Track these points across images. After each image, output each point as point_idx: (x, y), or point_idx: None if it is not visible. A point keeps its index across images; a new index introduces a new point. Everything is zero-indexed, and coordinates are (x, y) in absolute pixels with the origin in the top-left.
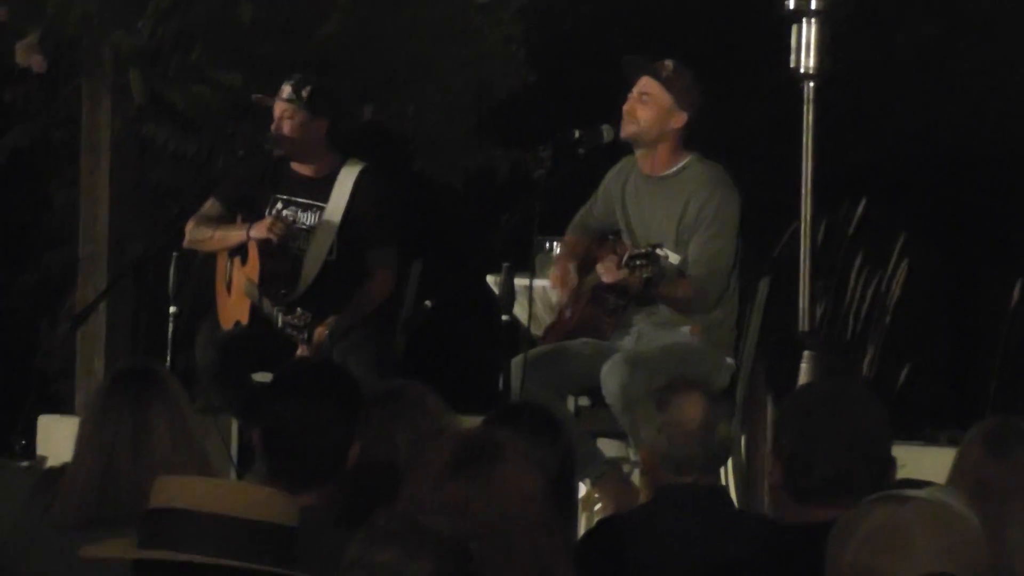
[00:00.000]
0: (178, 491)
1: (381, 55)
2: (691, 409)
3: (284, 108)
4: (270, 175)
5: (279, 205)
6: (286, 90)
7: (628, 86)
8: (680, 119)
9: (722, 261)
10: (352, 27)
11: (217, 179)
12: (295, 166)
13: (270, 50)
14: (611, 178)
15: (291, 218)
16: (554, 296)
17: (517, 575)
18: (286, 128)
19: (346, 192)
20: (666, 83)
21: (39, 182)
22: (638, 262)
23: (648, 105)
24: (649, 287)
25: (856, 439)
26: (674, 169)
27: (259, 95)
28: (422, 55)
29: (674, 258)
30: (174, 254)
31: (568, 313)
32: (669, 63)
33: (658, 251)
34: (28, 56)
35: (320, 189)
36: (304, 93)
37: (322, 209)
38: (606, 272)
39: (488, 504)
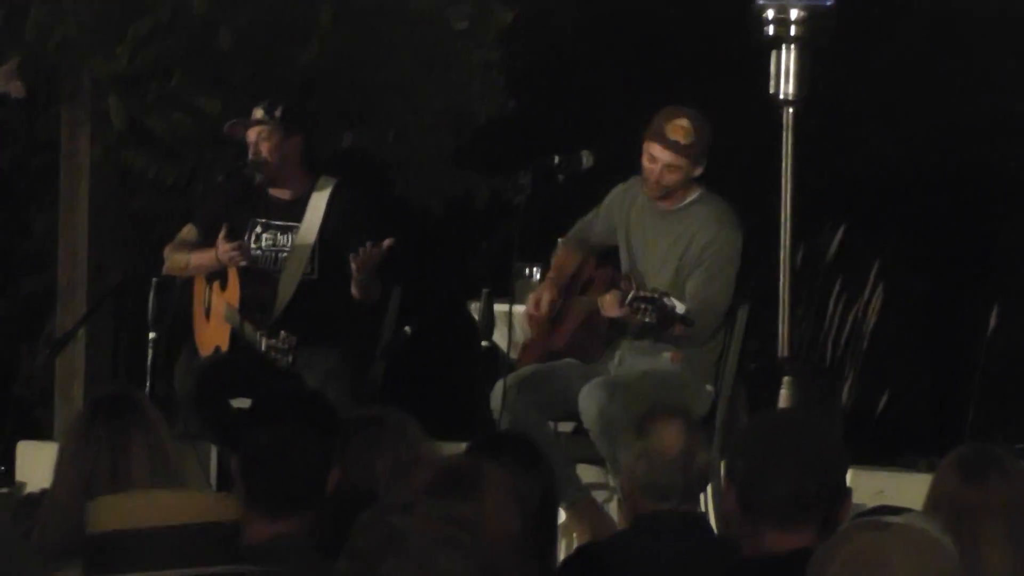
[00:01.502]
0: (112, 512)
1: (361, 81)
2: (671, 437)
3: (259, 131)
4: (247, 199)
5: (258, 229)
6: (258, 112)
7: (641, 135)
8: (700, 169)
9: (719, 302)
10: (332, 53)
11: (197, 205)
12: (272, 189)
13: (249, 76)
14: (616, 198)
15: (270, 241)
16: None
17: None
18: (264, 150)
19: (320, 209)
20: (688, 151)
21: (18, 208)
22: (642, 305)
23: (675, 172)
24: (647, 330)
25: (809, 462)
26: (682, 204)
27: (231, 122)
28: (402, 81)
29: (680, 307)
30: (153, 280)
31: (554, 328)
32: (686, 124)
33: (665, 300)
34: (7, 82)
35: (296, 210)
36: (277, 113)
37: (298, 230)
38: (608, 307)
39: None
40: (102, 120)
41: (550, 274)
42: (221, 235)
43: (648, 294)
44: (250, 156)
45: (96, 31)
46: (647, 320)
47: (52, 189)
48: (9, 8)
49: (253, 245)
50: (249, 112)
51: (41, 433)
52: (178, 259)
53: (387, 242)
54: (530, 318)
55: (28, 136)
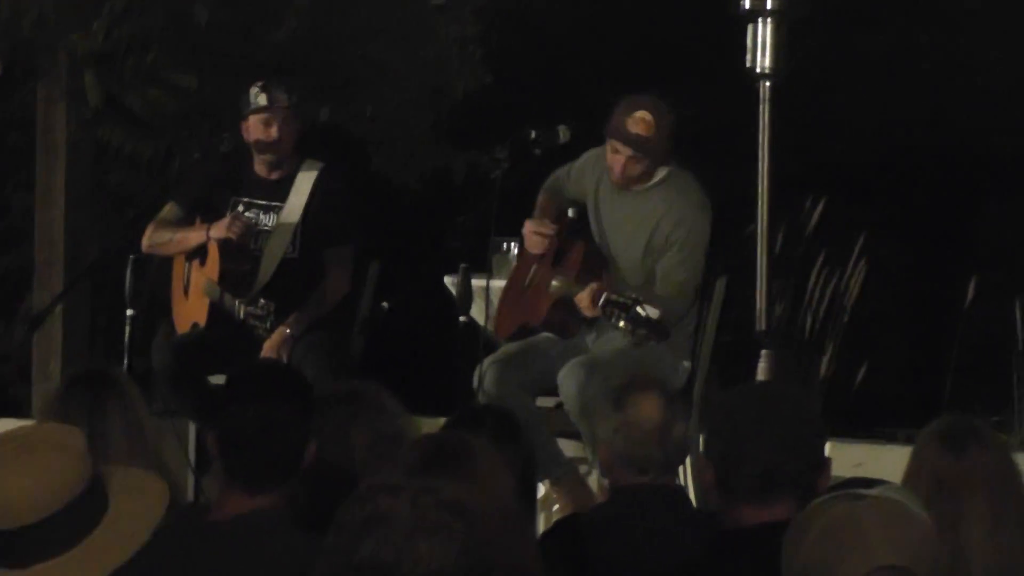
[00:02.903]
0: None
1: (338, 56)
2: (648, 409)
3: (284, 115)
4: (229, 177)
5: (240, 207)
6: (282, 98)
7: (604, 132)
8: (667, 155)
9: (689, 286)
10: (308, 28)
11: (174, 182)
12: (256, 168)
13: (226, 52)
14: (589, 163)
15: (252, 220)
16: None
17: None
18: (281, 133)
19: (305, 191)
20: (649, 143)
21: None
22: (615, 311)
23: (640, 163)
24: (620, 332)
25: (785, 437)
26: (649, 184)
27: (265, 115)
28: (379, 56)
29: (653, 314)
30: (131, 257)
31: (528, 301)
32: (646, 116)
33: (638, 309)
34: None
35: (279, 190)
36: (295, 98)
37: (281, 209)
38: (583, 305)
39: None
40: (78, 97)
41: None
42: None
43: (621, 299)
44: (257, 137)
45: (72, 7)
46: (620, 325)
47: (28, 166)
48: None
49: None
50: (231, 88)
51: (19, 410)
52: (160, 236)
53: (290, 321)
54: (536, 232)
55: (4, 113)
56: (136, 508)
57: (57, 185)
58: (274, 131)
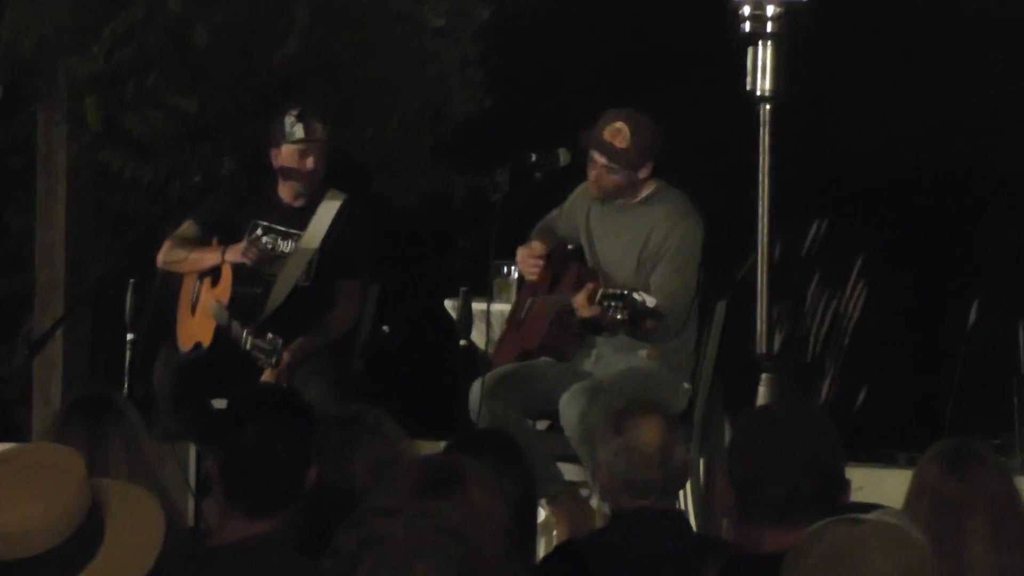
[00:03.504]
0: None
1: (338, 78)
2: (649, 433)
3: (320, 148)
4: (251, 198)
5: (259, 231)
6: (318, 129)
7: (586, 147)
8: (646, 169)
9: (684, 295)
10: (309, 50)
11: (173, 205)
12: (281, 192)
13: (226, 74)
14: (577, 198)
15: (270, 245)
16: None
17: None
18: (316, 165)
19: (326, 222)
20: (621, 156)
21: None
22: (614, 303)
23: (616, 173)
24: (621, 326)
25: (807, 460)
26: (638, 199)
27: (302, 147)
28: (379, 78)
29: (650, 301)
30: (131, 280)
31: (525, 327)
32: (622, 127)
33: (635, 295)
34: None
35: (301, 218)
36: (330, 129)
37: (300, 237)
38: (581, 307)
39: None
40: (78, 120)
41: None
42: (216, 244)
43: (616, 291)
44: (289, 166)
45: (72, 30)
46: (619, 317)
47: (29, 189)
48: None
49: None
50: (231, 111)
51: (19, 434)
52: (176, 254)
53: (294, 347)
54: (527, 260)
55: (4, 136)
56: (134, 531)
57: (58, 208)
58: (309, 162)
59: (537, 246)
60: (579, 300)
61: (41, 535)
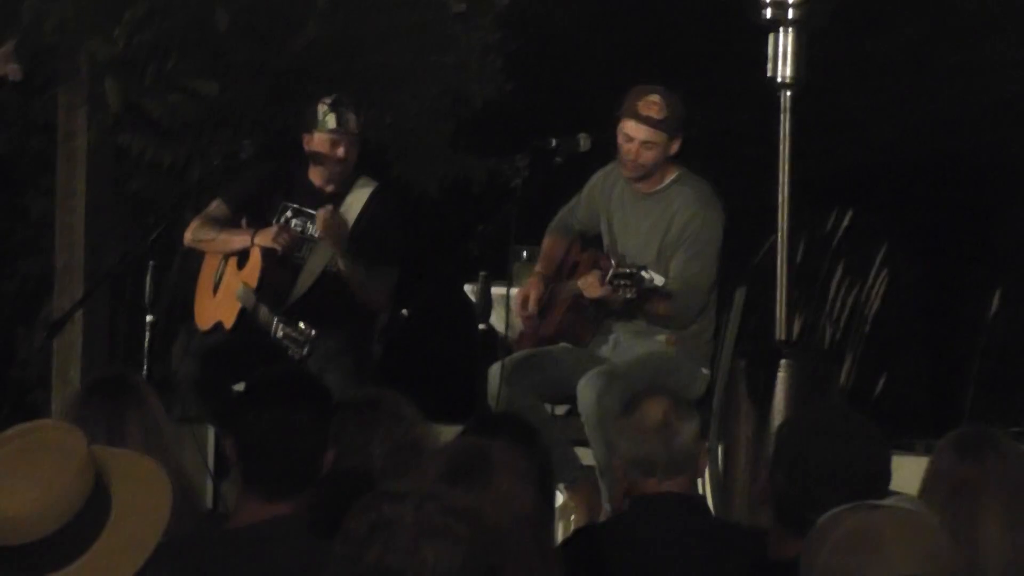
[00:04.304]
0: None
1: (358, 63)
2: (652, 410)
3: (352, 139)
4: (282, 180)
5: (288, 213)
6: (351, 120)
7: (615, 119)
8: (676, 144)
9: (703, 281)
10: (329, 35)
11: (193, 189)
12: (312, 176)
13: (246, 58)
14: (597, 183)
15: (299, 227)
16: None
17: None
18: (348, 155)
19: (356, 208)
20: (662, 125)
21: (15, 191)
22: (622, 282)
23: (652, 149)
24: (630, 306)
25: (852, 483)
26: (661, 186)
27: (333, 137)
28: (399, 63)
29: (658, 280)
30: (150, 263)
31: (538, 323)
32: (657, 99)
33: (643, 273)
34: (4, 65)
35: (331, 202)
36: (363, 119)
37: None
38: (589, 288)
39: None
40: (99, 102)
41: (537, 267)
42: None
43: (626, 269)
44: (322, 152)
45: (93, 13)
46: (629, 296)
47: (49, 172)
48: None
49: None
50: (252, 94)
51: (38, 416)
52: (204, 233)
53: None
54: (522, 319)
55: (25, 119)
56: (140, 510)
57: (77, 191)
58: (341, 152)
59: (530, 305)
60: (588, 281)
61: (42, 520)
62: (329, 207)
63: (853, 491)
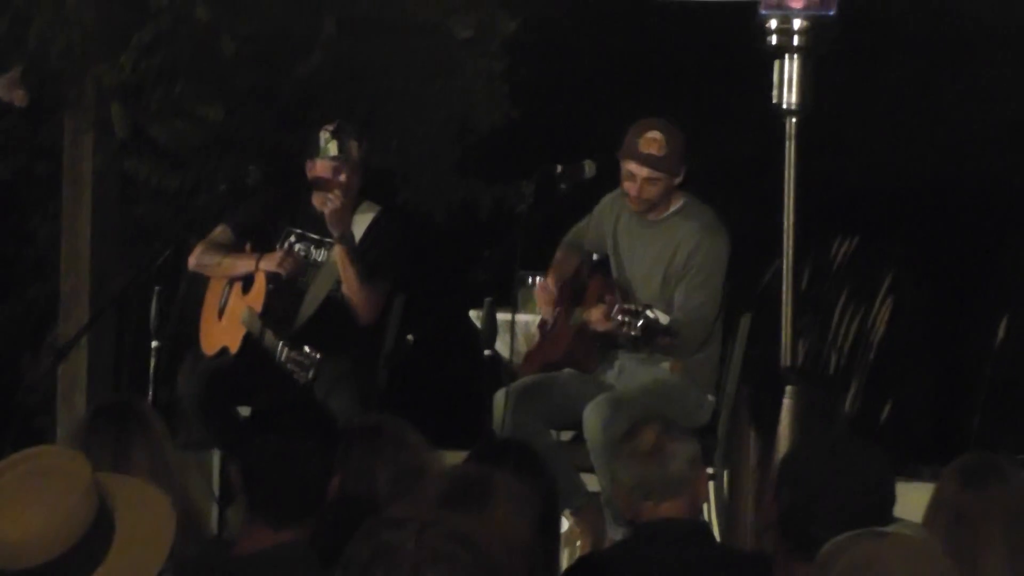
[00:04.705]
0: None
1: (364, 89)
2: (645, 435)
3: (353, 166)
4: (286, 206)
5: (292, 239)
6: (353, 148)
7: (617, 158)
8: (681, 176)
9: (707, 310)
10: (335, 61)
11: (199, 214)
12: (315, 202)
13: (252, 84)
14: (605, 208)
15: (303, 253)
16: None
17: None
18: (349, 182)
19: (359, 233)
20: (663, 163)
21: (21, 215)
22: (627, 319)
23: (655, 185)
24: (636, 343)
25: (857, 514)
26: (667, 214)
27: (335, 164)
28: (405, 89)
29: (663, 319)
30: (156, 288)
31: (549, 340)
32: (658, 136)
33: (649, 312)
34: (10, 90)
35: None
36: (364, 146)
37: (333, 246)
38: (597, 322)
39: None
40: (105, 128)
41: (549, 275)
42: (250, 251)
43: (631, 307)
44: (325, 177)
45: (99, 39)
46: (632, 333)
47: (55, 197)
48: (12, 16)
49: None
50: (259, 120)
51: (43, 441)
52: (208, 258)
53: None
54: (543, 299)
55: (31, 144)
56: (143, 536)
57: (83, 216)
58: (342, 179)
59: (551, 285)
60: (594, 315)
61: (45, 544)
62: (336, 192)
63: (857, 517)
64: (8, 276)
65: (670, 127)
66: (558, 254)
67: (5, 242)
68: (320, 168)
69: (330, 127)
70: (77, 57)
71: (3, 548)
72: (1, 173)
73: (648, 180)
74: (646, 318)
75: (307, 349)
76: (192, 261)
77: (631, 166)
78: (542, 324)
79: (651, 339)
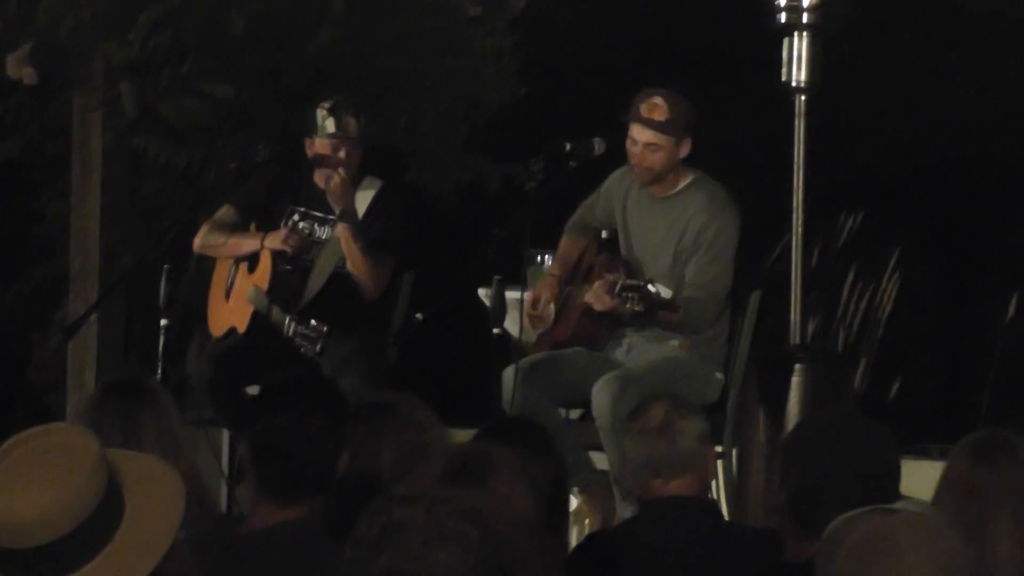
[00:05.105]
0: None
1: (373, 67)
2: (654, 412)
3: (352, 143)
4: (289, 185)
5: (296, 217)
6: (351, 124)
7: (624, 125)
8: (686, 146)
9: (718, 286)
10: (344, 39)
11: (208, 192)
12: (317, 179)
13: (262, 62)
14: (613, 183)
15: (307, 231)
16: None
17: None
18: (348, 159)
19: (362, 207)
20: (666, 127)
21: (30, 194)
22: (629, 294)
23: (657, 152)
24: (639, 318)
25: (864, 483)
26: (676, 190)
27: (334, 141)
28: (414, 67)
29: (665, 293)
30: (165, 266)
31: (559, 320)
32: (660, 102)
33: (650, 287)
34: (19, 68)
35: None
36: (363, 123)
37: (337, 223)
38: (597, 301)
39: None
40: (114, 106)
41: (552, 270)
42: (252, 230)
43: (634, 282)
44: (324, 154)
45: (108, 17)
46: (636, 308)
47: (64, 176)
48: None
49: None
50: (267, 98)
51: (53, 419)
52: (213, 238)
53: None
54: (529, 316)
55: (40, 123)
56: (153, 511)
57: (92, 194)
58: (341, 155)
59: (541, 305)
60: (595, 293)
61: (54, 522)
62: (340, 171)
63: (864, 493)
64: (17, 254)
65: (674, 95)
66: (562, 242)
67: (14, 220)
68: (319, 146)
69: (327, 104)
70: (86, 35)
71: (13, 526)
72: (10, 151)
73: (648, 146)
74: (648, 292)
75: (314, 322)
76: (197, 242)
77: (634, 130)
78: (529, 316)
79: (654, 313)
